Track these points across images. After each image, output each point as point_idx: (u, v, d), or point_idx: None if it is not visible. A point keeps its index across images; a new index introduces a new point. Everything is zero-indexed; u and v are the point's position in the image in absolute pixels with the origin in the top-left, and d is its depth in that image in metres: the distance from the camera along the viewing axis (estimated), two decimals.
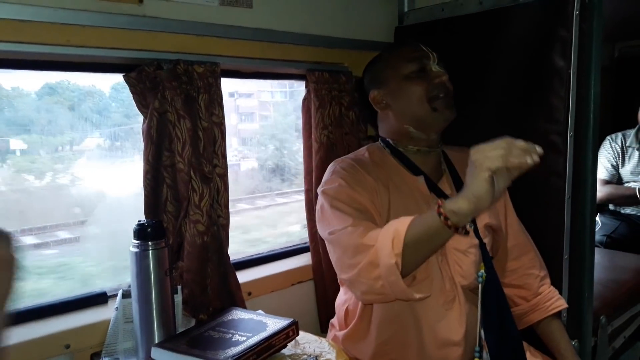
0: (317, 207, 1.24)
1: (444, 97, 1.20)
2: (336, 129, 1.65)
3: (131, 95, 1.27)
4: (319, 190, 1.24)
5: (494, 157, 0.89)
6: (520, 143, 0.90)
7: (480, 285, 1.20)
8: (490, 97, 1.53)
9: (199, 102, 1.29)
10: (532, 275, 1.33)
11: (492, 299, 1.20)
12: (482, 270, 1.20)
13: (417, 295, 1.04)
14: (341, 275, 1.14)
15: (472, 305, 1.22)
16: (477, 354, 1.20)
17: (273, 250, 1.74)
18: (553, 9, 1.37)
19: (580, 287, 1.45)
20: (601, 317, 1.70)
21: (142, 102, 1.28)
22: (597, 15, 1.36)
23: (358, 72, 1.69)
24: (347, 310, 1.33)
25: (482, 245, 1.23)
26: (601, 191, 2.70)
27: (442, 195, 1.23)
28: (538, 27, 1.41)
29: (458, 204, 0.95)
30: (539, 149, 0.90)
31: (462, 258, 1.22)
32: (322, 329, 1.69)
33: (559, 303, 1.33)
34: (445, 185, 1.27)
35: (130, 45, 1.25)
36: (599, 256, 2.26)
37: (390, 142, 1.29)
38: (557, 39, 1.36)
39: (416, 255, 1.02)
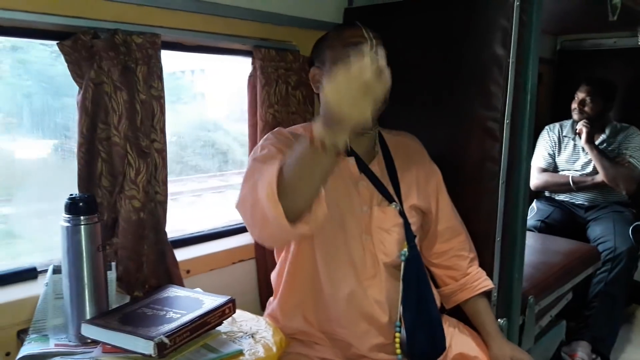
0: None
1: None
2: (282, 107, 1.64)
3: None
4: (250, 158, 1.23)
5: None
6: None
7: (403, 264, 1.25)
8: (431, 81, 1.56)
9: (136, 74, 1.25)
10: (461, 257, 1.38)
11: (412, 276, 1.25)
12: (405, 249, 1.26)
13: (298, 231, 0.96)
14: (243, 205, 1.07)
15: (394, 281, 1.26)
16: (397, 329, 1.26)
17: (214, 229, 1.72)
18: None
19: (510, 268, 1.52)
20: (529, 297, 1.78)
21: (77, 72, 1.23)
22: (536, 7, 1.40)
23: (306, 52, 1.68)
24: (280, 282, 1.36)
25: (406, 224, 1.27)
26: (538, 178, 2.82)
27: (372, 177, 1.27)
28: (481, 15, 1.44)
29: (322, 133, 0.88)
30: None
31: (385, 236, 1.26)
32: (262, 308, 1.68)
33: (486, 283, 1.38)
34: (376, 166, 1.30)
35: (65, 11, 1.18)
36: (532, 240, 2.38)
37: None
38: (498, 28, 1.39)
39: (293, 180, 0.94)
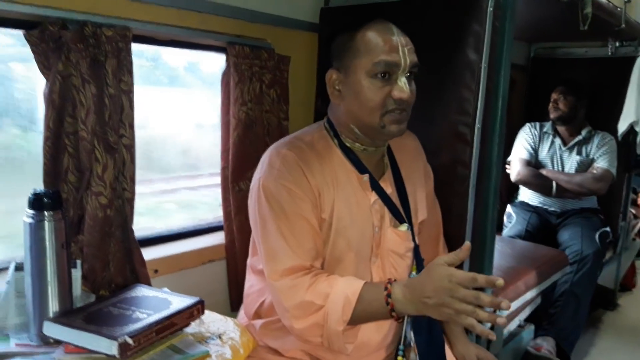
0: (255, 199, 1.14)
1: (397, 114, 1.11)
2: (256, 106, 1.62)
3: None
4: (258, 179, 1.14)
5: (458, 314, 0.93)
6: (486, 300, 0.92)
7: None
8: None
9: (106, 68, 1.23)
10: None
11: None
12: (414, 273, 1.21)
13: (350, 348, 1.12)
14: (281, 317, 1.13)
15: None
16: (400, 353, 1.21)
17: (184, 228, 1.70)
18: (469, 3, 1.41)
19: (480, 272, 1.51)
20: None
21: (44, 64, 1.20)
22: (509, 14, 1.42)
23: (281, 50, 1.68)
24: (262, 303, 1.24)
25: (416, 248, 1.24)
26: (522, 171, 2.80)
27: (384, 195, 1.19)
28: (455, 19, 1.45)
29: (405, 307, 1.01)
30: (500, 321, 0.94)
31: (398, 261, 1.21)
32: (232, 309, 1.68)
33: None
34: (387, 183, 1.21)
35: (32, 0, 1.16)
36: (502, 244, 2.41)
37: (340, 134, 1.19)
38: (471, 33, 1.41)
39: (358, 323, 1.09)
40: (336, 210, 1.14)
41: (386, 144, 1.23)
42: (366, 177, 1.17)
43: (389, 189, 1.21)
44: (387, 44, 1.09)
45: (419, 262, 1.23)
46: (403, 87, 1.09)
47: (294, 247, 1.09)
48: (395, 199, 1.21)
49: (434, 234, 1.39)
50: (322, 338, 1.07)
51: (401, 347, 1.21)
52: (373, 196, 1.18)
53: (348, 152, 1.18)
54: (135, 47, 1.34)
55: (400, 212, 1.21)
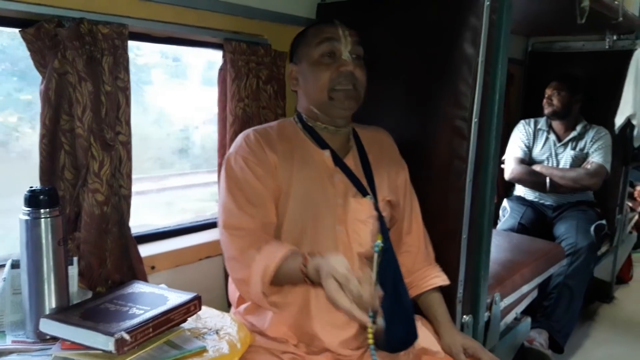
0: (222, 173, 1.28)
1: (346, 89, 1.24)
2: (253, 102, 1.62)
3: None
4: (226, 157, 1.28)
5: (339, 276, 1.01)
6: (359, 293, 1.00)
7: (376, 255, 1.27)
8: (402, 79, 1.57)
9: (102, 65, 1.22)
10: (411, 254, 1.41)
11: (388, 268, 1.27)
12: (379, 241, 1.27)
13: (272, 309, 1.23)
14: (225, 262, 1.27)
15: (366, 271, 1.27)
16: (370, 317, 1.24)
17: (181, 224, 1.70)
18: None
19: (477, 265, 1.54)
20: (495, 294, 1.81)
21: (40, 62, 1.20)
22: (506, 8, 1.42)
23: (278, 46, 1.67)
24: None
25: (380, 217, 1.29)
26: (516, 169, 2.82)
27: (347, 170, 1.29)
28: (452, 13, 1.45)
29: (314, 275, 1.07)
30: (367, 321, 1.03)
31: (361, 227, 1.28)
32: (229, 305, 1.68)
33: (434, 281, 1.40)
34: (351, 161, 1.32)
35: None
36: (499, 238, 2.42)
37: (303, 117, 1.33)
38: (468, 27, 1.41)
39: (281, 284, 1.20)
40: (295, 182, 1.25)
41: (348, 126, 1.34)
42: (327, 152, 1.29)
43: (353, 165, 1.31)
44: (330, 29, 1.26)
45: (384, 231, 1.30)
46: (346, 59, 1.24)
47: (243, 205, 1.21)
48: (360, 175, 1.31)
49: (413, 228, 1.41)
50: (249, 294, 1.21)
51: (370, 313, 1.23)
52: (336, 171, 1.29)
53: (311, 132, 1.31)
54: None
55: (364, 186, 1.30)
